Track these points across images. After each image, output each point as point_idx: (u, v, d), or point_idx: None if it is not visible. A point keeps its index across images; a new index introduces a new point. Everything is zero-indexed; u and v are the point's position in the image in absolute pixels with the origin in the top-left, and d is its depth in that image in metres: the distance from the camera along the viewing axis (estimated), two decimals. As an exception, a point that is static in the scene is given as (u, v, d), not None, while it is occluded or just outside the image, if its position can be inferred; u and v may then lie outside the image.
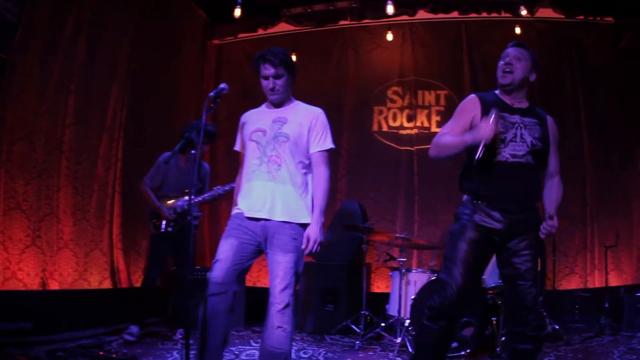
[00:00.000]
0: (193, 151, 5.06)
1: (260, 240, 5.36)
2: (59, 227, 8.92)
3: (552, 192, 5.45)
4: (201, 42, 12.77)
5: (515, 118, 5.32)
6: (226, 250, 5.31)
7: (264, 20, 12.36)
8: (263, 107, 5.71)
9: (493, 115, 5.00)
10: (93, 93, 9.49)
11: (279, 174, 5.36)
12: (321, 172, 5.46)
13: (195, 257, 4.84)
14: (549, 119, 5.51)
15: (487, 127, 4.97)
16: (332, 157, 11.83)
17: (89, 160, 9.35)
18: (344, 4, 12.06)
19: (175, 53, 11.75)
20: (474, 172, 5.36)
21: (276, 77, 5.43)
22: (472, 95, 5.66)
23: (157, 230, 8.53)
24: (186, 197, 8.50)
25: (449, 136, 5.42)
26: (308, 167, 5.55)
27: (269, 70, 5.42)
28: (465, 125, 5.43)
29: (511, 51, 5.50)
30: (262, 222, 5.34)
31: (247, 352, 7.79)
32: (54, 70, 8.75)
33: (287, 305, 5.16)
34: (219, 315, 5.23)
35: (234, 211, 5.56)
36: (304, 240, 5.25)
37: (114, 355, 6.88)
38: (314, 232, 5.24)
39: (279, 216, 5.31)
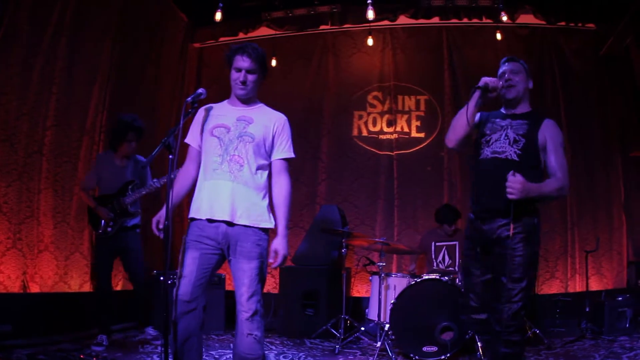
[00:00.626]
0: (170, 156, 4.95)
1: (222, 248, 5.22)
2: (40, 230, 8.88)
3: (546, 182, 5.28)
4: (182, 45, 12.74)
5: (506, 122, 5.50)
6: (189, 264, 5.14)
7: (245, 24, 12.36)
8: (225, 103, 5.54)
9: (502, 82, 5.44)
10: (74, 95, 9.45)
11: (241, 174, 5.21)
12: (283, 181, 5.39)
13: (167, 260, 4.67)
14: (547, 120, 5.51)
15: (486, 77, 5.36)
16: (312, 161, 11.88)
17: (70, 163, 9.30)
18: (325, 8, 12.08)
19: (156, 56, 11.73)
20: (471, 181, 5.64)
21: (250, 71, 5.30)
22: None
23: (97, 231, 8.40)
24: (129, 194, 8.39)
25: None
26: (267, 171, 5.44)
27: (245, 62, 5.28)
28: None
29: (507, 67, 5.64)
30: (223, 226, 5.17)
31: (227, 356, 7.77)
32: (35, 72, 8.71)
33: (255, 313, 5.09)
34: (192, 332, 5.12)
35: (192, 214, 5.31)
36: (272, 254, 5.20)
37: (94, 359, 6.81)
38: (282, 247, 5.17)
39: (241, 219, 5.15)
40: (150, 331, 8.67)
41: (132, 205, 8.41)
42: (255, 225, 5.19)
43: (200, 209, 5.23)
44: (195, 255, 5.15)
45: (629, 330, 8.95)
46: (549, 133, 5.40)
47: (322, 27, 12.61)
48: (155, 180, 8.24)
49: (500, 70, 5.65)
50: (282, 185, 5.36)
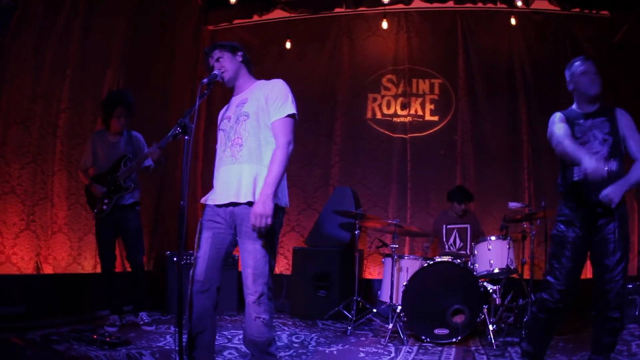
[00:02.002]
0: (186, 137, 4.97)
1: (233, 231, 5.23)
2: (53, 211, 8.95)
3: (631, 169, 5.78)
4: (196, 28, 12.74)
5: (588, 122, 5.91)
6: (203, 245, 5.22)
7: (260, 7, 12.32)
8: (232, 98, 5.57)
9: (604, 165, 5.42)
10: (88, 77, 9.49)
11: (241, 154, 5.16)
12: (277, 143, 5.16)
13: (181, 241, 4.70)
14: (618, 110, 6.00)
15: (595, 165, 5.36)
16: (325, 143, 11.83)
17: (84, 145, 9.14)
18: (340, -9, 12.04)
19: (169, 38, 11.74)
20: (564, 174, 5.95)
21: (217, 60, 5.40)
22: (558, 113, 6.26)
23: (94, 211, 8.27)
24: (121, 168, 8.24)
25: (568, 140, 5.81)
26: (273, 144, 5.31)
27: (211, 60, 5.46)
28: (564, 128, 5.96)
29: (589, 66, 6.05)
30: (230, 208, 5.17)
31: (239, 337, 7.74)
32: (49, 55, 8.75)
33: (261, 295, 5.07)
34: (206, 312, 5.17)
35: (205, 201, 5.39)
36: (251, 217, 4.93)
37: (107, 339, 6.84)
38: (256, 206, 4.93)
39: (245, 197, 5.06)
40: (145, 317, 8.36)
41: (126, 180, 8.26)
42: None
43: (210, 196, 5.31)
44: (208, 235, 5.20)
45: (639, 318, 8.95)
46: (624, 122, 5.91)
47: (336, 9, 12.59)
48: (154, 144, 8.03)
49: (587, 68, 6.04)
50: (275, 147, 5.15)
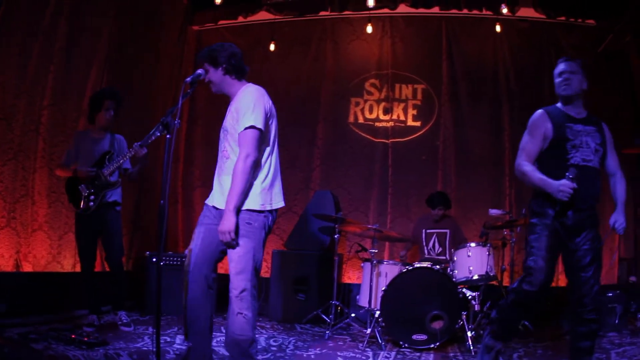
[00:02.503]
0: (168, 135, 4.97)
1: None
2: (34, 209, 8.92)
3: (617, 189, 6.24)
4: (181, 28, 12.69)
5: (579, 127, 6.02)
6: (195, 237, 5.55)
7: (245, 8, 12.31)
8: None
9: (571, 182, 5.63)
10: (72, 75, 9.47)
11: (227, 165, 5.49)
12: (238, 156, 5.29)
13: (161, 241, 4.75)
14: (605, 125, 6.27)
15: (566, 188, 5.61)
16: (307, 146, 11.84)
17: (66, 143, 9.19)
18: (326, -6, 12.05)
19: (155, 38, 11.72)
20: (553, 173, 5.86)
21: (206, 72, 5.57)
22: (541, 111, 6.24)
23: (79, 209, 8.12)
24: (106, 164, 8.14)
25: (528, 166, 6.03)
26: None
27: (201, 74, 5.58)
28: (539, 142, 6.06)
29: (565, 67, 6.19)
30: (220, 210, 5.45)
31: (218, 339, 7.73)
32: (34, 52, 8.73)
33: (243, 290, 5.22)
34: (198, 300, 5.37)
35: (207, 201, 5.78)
36: (219, 234, 5.23)
37: (85, 339, 6.85)
38: (222, 223, 5.19)
39: (219, 204, 5.52)
40: (124, 317, 8.26)
41: (112, 175, 8.18)
42: (243, 207, 5.34)
43: (209, 199, 5.73)
44: (201, 229, 5.56)
45: (619, 327, 8.97)
46: (607, 136, 6.18)
47: (321, 13, 12.56)
48: (135, 145, 7.88)
49: (558, 70, 6.22)
50: (237, 162, 5.27)
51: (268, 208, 5.45)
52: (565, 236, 5.81)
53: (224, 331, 8.08)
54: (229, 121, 5.49)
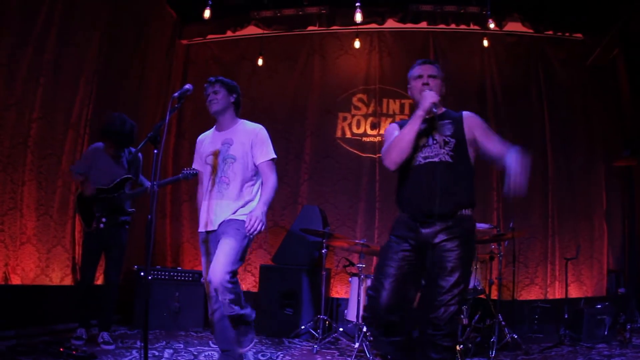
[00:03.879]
0: (155, 151, 5.01)
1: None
2: (22, 222, 8.84)
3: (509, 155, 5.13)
4: (170, 42, 12.69)
5: (425, 125, 5.37)
6: (207, 268, 6.13)
7: (234, 22, 12.36)
8: (213, 130, 6.51)
9: (420, 82, 5.47)
10: (61, 88, 9.41)
11: (228, 192, 6.26)
12: (268, 177, 6.34)
13: (149, 255, 4.76)
14: (466, 113, 5.57)
15: (428, 93, 5.29)
16: (294, 161, 11.86)
17: (54, 156, 9.27)
18: (314, 9, 12.13)
19: (143, 51, 11.70)
20: (398, 186, 5.64)
21: (215, 92, 6.33)
22: (392, 124, 5.89)
23: (89, 228, 8.14)
24: (126, 192, 8.24)
25: (395, 135, 5.53)
26: (255, 179, 6.45)
27: (208, 90, 6.41)
28: None
29: (425, 70, 5.58)
30: (215, 233, 6.26)
31: (206, 354, 7.82)
32: (24, 64, 8.69)
33: (225, 281, 5.79)
34: (221, 322, 6.32)
35: (200, 229, 6.48)
36: (247, 220, 5.93)
37: (74, 352, 6.86)
38: (256, 212, 5.97)
39: (224, 218, 6.23)
40: (105, 337, 7.97)
41: (127, 203, 8.28)
42: (237, 218, 6.11)
43: (201, 224, 6.43)
44: (207, 260, 6.25)
45: (608, 338, 8.98)
46: (473, 124, 5.48)
47: (309, 27, 12.63)
48: (155, 182, 7.96)
49: (417, 73, 5.61)
50: (267, 180, 6.31)
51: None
52: (421, 249, 5.25)
53: (212, 346, 8.18)
54: (237, 150, 6.23)
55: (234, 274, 5.91)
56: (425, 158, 5.32)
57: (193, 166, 6.76)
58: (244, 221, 6.02)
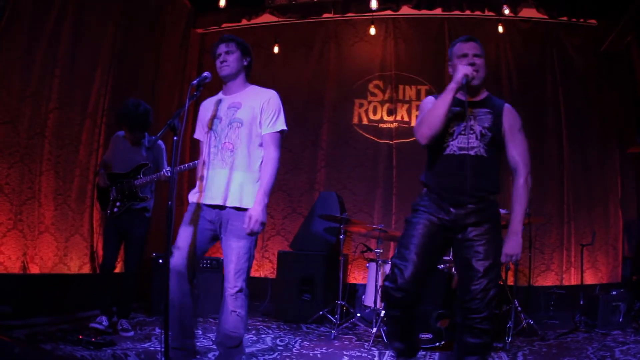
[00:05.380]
0: (175, 138, 5.03)
1: (216, 227, 5.58)
2: (41, 211, 8.93)
3: (515, 200, 5.35)
4: (184, 31, 12.74)
5: (462, 109, 5.29)
6: (185, 237, 5.50)
7: (248, 11, 12.41)
8: (220, 94, 5.86)
9: (465, 62, 5.30)
10: (76, 78, 9.48)
11: (232, 160, 5.54)
12: (270, 154, 5.62)
13: (169, 242, 4.80)
14: (507, 107, 5.48)
15: (463, 66, 5.22)
16: (311, 148, 11.84)
17: (72, 146, 9.36)
18: (329, -3, 12.10)
19: (158, 41, 11.76)
20: (428, 167, 5.56)
21: (228, 52, 5.69)
22: (429, 97, 5.69)
23: (104, 211, 8.28)
24: (140, 177, 8.20)
25: (429, 105, 5.42)
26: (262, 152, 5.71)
27: (222, 47, 5.75)
28: None
29: (470, 49, 5.46)
30: (217, 210, 5.56)
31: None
32: (39, 55, 8.75)
33: (240, 290, 5.40)
34: (182, 299, 5.44)
35: (191, 199, 5.72)
36: (246, 220, 5.40)
37: (92, 340, 6.87)
38: (255, 212, 5.39)
39: (232, 202, 5.48)
40: (125, 324, 8.07)
41: (142, 190, 8.22)
42: (247, 207, 5.45)
43: (198, 195, 5.67)
44: (191, 230, 5.52)
45: (623, 325, 8.99)
46: (509, 121, 5.39)
47: (324, 15, 12.61)
48: (168, 169, 8.06)
49: (461, 51, 5.47)
50: (267, 158, 5.62)
51: None
52: (449, 232, 5.32)
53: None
54: (244, 114, 5.57)
55: (248, 283, 5.55)
56: (460, 149, 5.25)
57: (195, 136, 6.02)
58: None
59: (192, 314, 5.58)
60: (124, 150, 8.35)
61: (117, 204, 8.13)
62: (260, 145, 5.68)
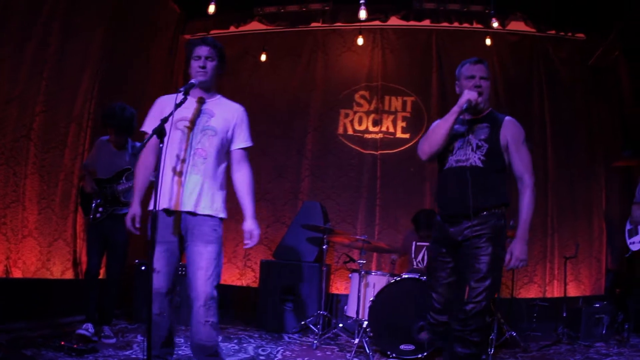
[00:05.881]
0: (161, 145, 4.97)
1: (182, 234, 5.41)
2: (24, 215, 8.87)
3: (522, 208, 5.47)
4: (173, 37, 12.72)
5: (464, 128, 5.60)
6: (160, 259, 5.30)
7: (237, 18, 12.39)
8: (187, 96, 5.40)
9: (472, 84, 5.57)
10: (64, 82, 9.43)
11: (205, 167, 5.40)
12: (245, 170, 5.70)
13: (152, 250, 4.74)
14: (507, 119, 5.63)
15: (468, 91, 5.48)
16: (296, 157, 11.87)
17: (57, 149, 9.29)
18: (317, 6, 12.14)
19: (147, 46, 11.74)
20: (437, 187, 5.84)
21: (208, 58, 5.57)
22: (436, 120, 5.80)
23: (86, 216, 8.26)
24: (123, 181, 8.17)
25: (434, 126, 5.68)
26: (226, 163, 5.71)
27: (204, 50, 5.57)
28: None
29: (477, 72, 5.69)
30: (185, 216, 5.35)
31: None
32: (27, 57, 8.70)
33: (212, 297, 5.23)
34: (165, 318, 5.37)
35: (157, 206, 5.07)
36: (246, 235, 5.50)
37: (75, 346, 6.87)
38: (255, 227, 5.55)
39: (204, 210, 5.37)
40: (107, 331, 8.08)
41: (125, 195, 8.16)
42: (215, 215, 5.43)
43: (164, 200, 5.33)
44: (164, 249, 5.32)
45: (606, 337, 9.03)
46: (509, 132, 5.53)
47: (313, 24, 12.63)
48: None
49: (469, 72, 5.71)
50: (244, 174, 5.67)
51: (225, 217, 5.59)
52: (453, 246, 5.54)
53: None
54: (218, 123, 5.51)
55: (218, 289, 5.39)
56: (457, 161, 5.51)
57: (143, 128, 5.67)
58: (220, 220, 5.51)
59: (172, 324, 5.49)
60: (107, 155, 8.32)
61: (100, 209, 8.07)
62: (223, 157, 5.64)
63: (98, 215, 8.06)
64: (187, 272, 5.33)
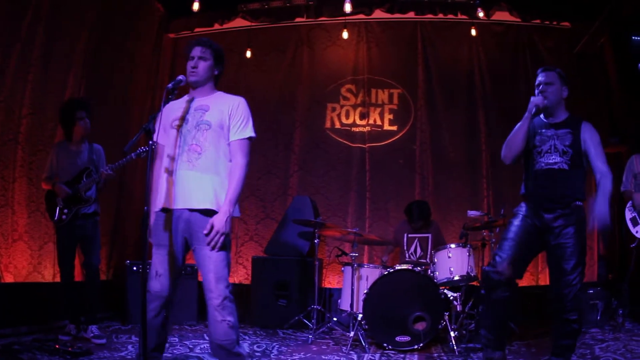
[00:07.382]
0: (150, 142, 4.95)
1: (186, 237, 5.29)
2: (14, 219, 8.86)
3: (604, 187, 6.07)
4: (157, 36, 12.67)
5: (550, 132, 6.31)
6: (161, 262, 5.27)
7: (221, 15, 12.32)
8: (185, 97, 5.60)
9: (537, 92, 6.35)
10: (49, 84, 9.39)
11: (199, 162, 5.28)
12: (237, 162, 5.39)
13: (145, 249, 4.71)
14: (584, 125, 6.33)
15: (534, 97, 6.32)
16: (284, 152, 11.81)
17: (44, 152, 9.16)
18: (301, 1, 12.13)
19: (131, 46, 11.69)
20: (525, 181, 6.49)
21: (201, 58, 5.49)
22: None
23: (52, 219, 8.20)
24: (83, 181, 8.18)
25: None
26: (229, 156, 5.52)
27: (197, 50, 5.50)
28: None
29: (542, 78, 6.45)
30: (185, 215, 5.25)
31: (201, 346, 7.82)
32: (12, 60, 8.67)
33: (225, 298, 5.16)
34: (160, 322, 5.31)
35: (156, 206, 5.37)
36: (207, 227, 5.11)
37: (69, 349, 6.86)
38: (218, 222, 5.12)
39: (203, 204, 5.21)
40: (94, 330, 8.05)
41: (86, 192, 8.19)
42: (217, 209, 5.23)
43: (160, 199, 5.32)
44: (165, 252, 5.27)
45: (601, 323, 9.06)
46: (587, 135, 6.22)
47: (297, 19, 12.63)
48: (108, 166, 8.05)
49: (537, 80, 6.47)
50: (234, 165, 5.37)
51: (236, 215, 5.42)
52: (542, 235, 6.17)
53: (207, 338, 8.16)
54: (213, 117, 5.37)
55: (230, 288, 5.28)
56: (547, 164, 6.21)
57: (156, 139, 5.27)
58: (230, 222, 5.35)
59: (165, 327, 5.42)
60: (66, 157, 8.33)
61: (65, 210, 8.09)
62: (225, 150, 5.46)
63: (64, 217, 8.07)
64: (201, 274, 5.28)
